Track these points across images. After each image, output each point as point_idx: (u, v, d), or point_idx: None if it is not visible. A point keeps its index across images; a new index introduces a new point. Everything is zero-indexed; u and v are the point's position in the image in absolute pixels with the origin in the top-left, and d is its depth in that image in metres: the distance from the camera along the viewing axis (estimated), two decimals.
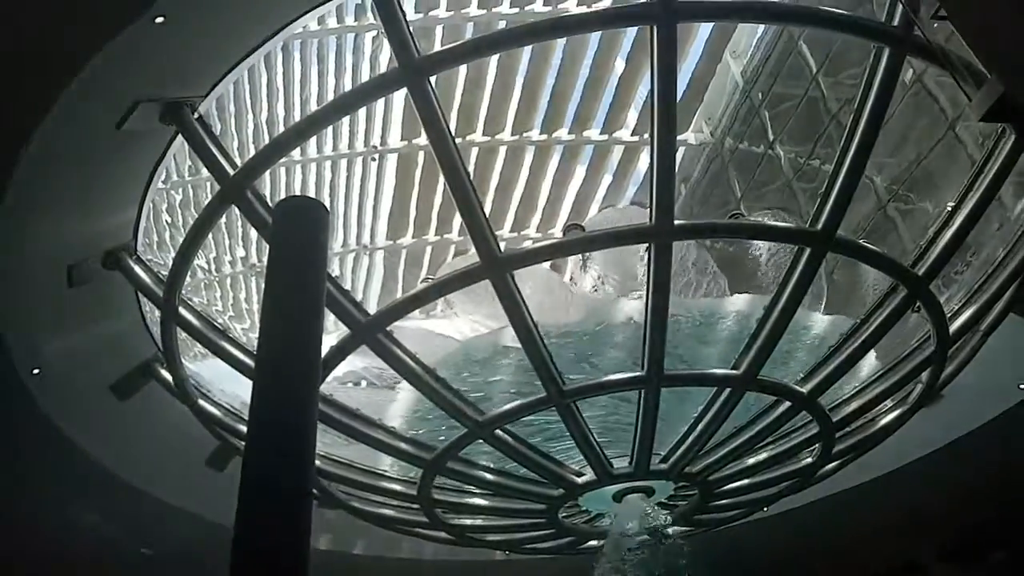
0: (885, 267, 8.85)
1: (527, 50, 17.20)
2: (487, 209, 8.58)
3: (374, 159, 20.77)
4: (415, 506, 12.05)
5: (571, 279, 14.85)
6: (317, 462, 10.98)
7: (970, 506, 19.21)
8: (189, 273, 9.27)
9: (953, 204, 9.78)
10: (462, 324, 14.50)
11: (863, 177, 10.15)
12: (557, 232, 20.31)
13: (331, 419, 9.94)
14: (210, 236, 10.23)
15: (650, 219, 7.83)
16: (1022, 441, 16.00)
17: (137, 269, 9.38)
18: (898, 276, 8.85)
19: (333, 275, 8.85)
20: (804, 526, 18.74)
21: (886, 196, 15.83)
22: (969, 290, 10.99)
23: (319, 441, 11.33)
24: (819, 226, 8.25)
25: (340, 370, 12.14)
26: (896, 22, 7.33)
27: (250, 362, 9.23)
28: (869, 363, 11.49)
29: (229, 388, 11.18)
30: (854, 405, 11.17)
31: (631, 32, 15.55)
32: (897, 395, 11.64)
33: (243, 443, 9.99)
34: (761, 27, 17.88)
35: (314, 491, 11.58)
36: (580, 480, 11.07)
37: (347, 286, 15.25)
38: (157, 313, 9.60)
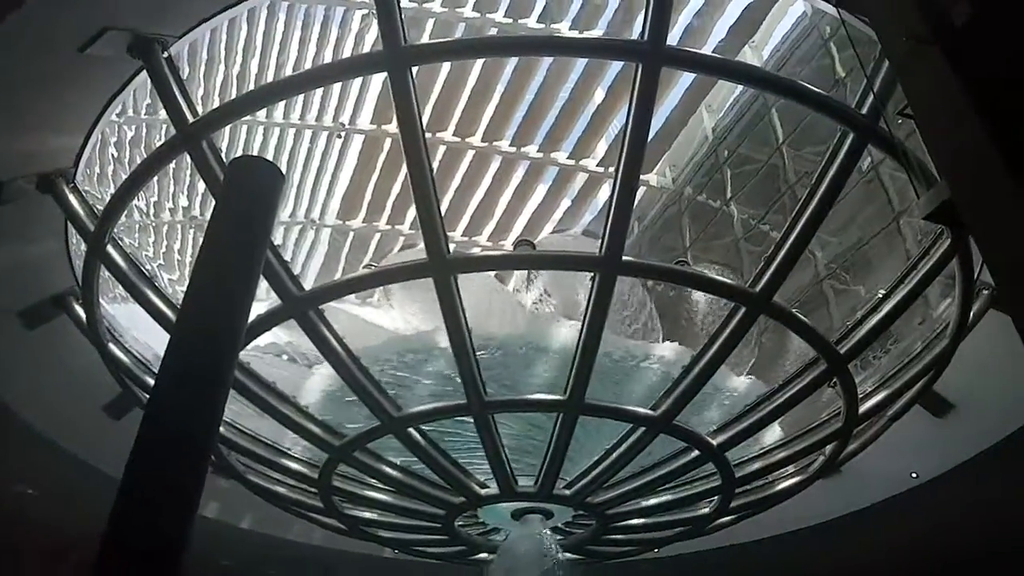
0: (812, 340, 9.16)
1: (513, 60, 17.27)
2: (443, 209, 8.55)
3: (340, 136, 20.48)
4: (313, 490, 11.84)
5: (514, 291, 14.90)
6: (220, 428, 10.67)
7: None
8: (126, 212, 8.93)
9: (884, 292, 10.22)
10: (396, 317, 14.36)
11: (807, 250, 10.55)
12: (508, 245, 20.32)
13: (244, 387, 9.68)
14: (155, 179, 9.91)
15: (600, 250, 7.93)
16: (907, 525, 16.75)
17: (71, 197, 8.99)
18: (822, 351, 9.17)
19: (275, 243, 8.66)
20: (691, 572, 19.17)
21: (824, 272, 16.44)
22: (883, 376, 11.49)
23: (226, 407, 11.06)
24: (758, 288, 8.50)
25: (263, 340, 11.87)
26: (864, 111, 7.65)
27: (171, 314, 8.93)
28: (778, 428, 11.88)
29: (143, 338, 10.79)
30: (757, 465, 11.51)
31: (616, 65, 15.77)
32: (800, 463, 12.05)
33: (146, 396, 9.64)
34: (739, 88, 18.41)
35: (212, 457, 11.26)
36: (483, 492, 11.05)
37: (287, 257, 14.93)
38: (83, 246, 9.22)
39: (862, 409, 10.38)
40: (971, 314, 10.32)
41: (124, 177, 8.61)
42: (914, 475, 15.37)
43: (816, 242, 15.17)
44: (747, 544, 17.34)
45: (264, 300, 11.05)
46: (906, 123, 8.16)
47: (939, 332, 11.07)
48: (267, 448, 11.50)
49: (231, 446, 11.10)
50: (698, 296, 13.83)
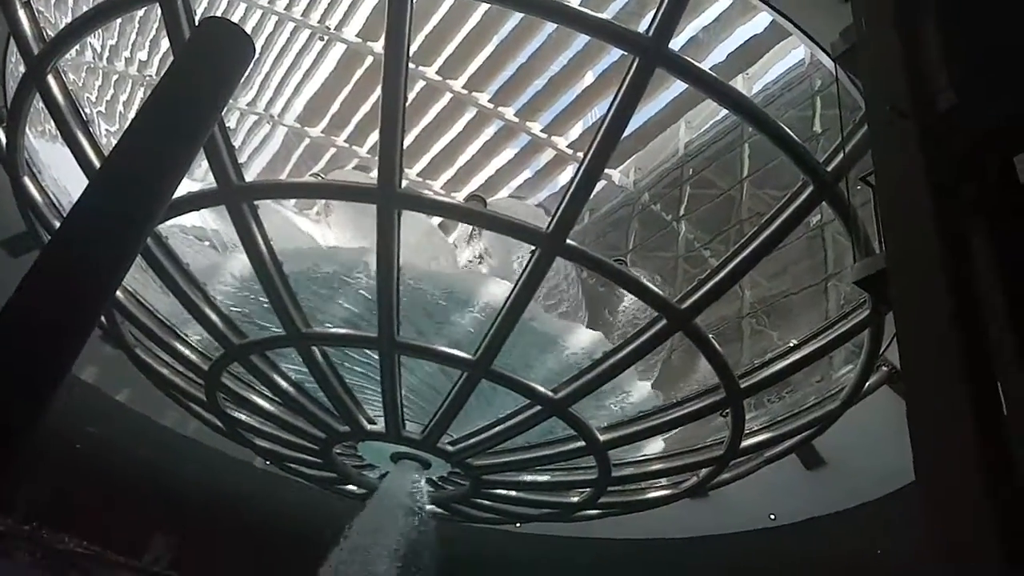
0: (718, 368, 9.45)
1: (516, 17, 16.98)
2: (406, 142, 8.36)
3: (322, 39, 19.74)
4: (199, 382, 11.57)
5: (455, 244, 14.83)
6: (119, 295, 10.28)
7: None
8: (78, 46, 8.39)
9: (796, 343, 10.62)
10: (330, 237, 14.09)
11: (738, 284, 10.84)
12: (460, 196, 20.14)
13: (156, 261, 9.32)
14: (119, 21, 9.33)
15: (547, 227, 7.94)
16: (757, 559, 17.70)
17: (21, 13, 8.36)
18: (724, 381, 9.48)
19: (226, 124, 8.30)
20: (544, 553, 19.75)
21: (747, 310, 16.98)
22: (771, 420, 12.00)
23: (131, 277, 10.64)
24: (684, 306, 8.69)
25: (189, 220, 11.46)
26: (830, 168, 7.86)
27: (97, 163, 8.46)
28: (659, 442, 12.29)
29: (64, 183, 10.23)
30: (634, 470, 11.89)
31: (614, 53, 15.69)
32: (674, 478, 12.51)
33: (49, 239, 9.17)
34: (721, 113, 18.63)
35: (103, 319, 10.85)
36: (370, 427, 11.05)
37: (236, 144, 14.37)
38: (22, 68, 8.62)
39: (744, 444, 10.82)
40: (866, 384, 10.84)
41: (86, 9, 8.07)
42: (772, 516, 16.22)
43: (748, 279, 15.65)
44: (607, 540, 17.99)
45: (200, 181, 10.64)
46: (862, 193, 8.46)
47: (833, 393, 11.62)
48: (163, 328, 11.14)
49: (126, 315, 10.71)
50: (626, 300, 14.08)
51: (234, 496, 22.26)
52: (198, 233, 12.68)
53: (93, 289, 2.73)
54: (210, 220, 12.51)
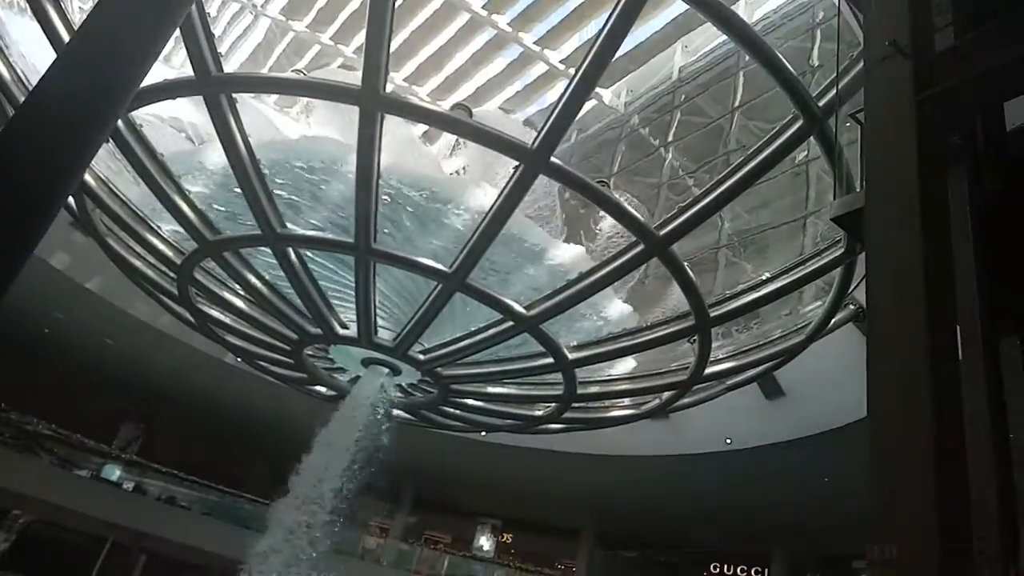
0: (690, 295, 9.57)
1: None
2: (394, 45, 8.06)
3: None
4: (172, 275, 11.49)
5: (438, 154, 14.57)
6: (91, 181, 10.04)
7: (646, 509, 22.00)
8: None
9: (768, 276, 10.77)
10: (308, 134, 13.74)
11: (718, 214, 10.87)
12: (446, 105, 19.68)
13: (129, 149, 9.06)
14: None
15: (532, 143, 7.82)
16: (712, 479, 18.53)
17: None
18: (696, 308, 9.62)
19: (206, 10, 7.92)
20: (499, 459, 20.44)
21: (724, 241, 17.13)
22: (736, 349, 12.29)
23: (105, 165, 10.36)
24: (662, 232, 8.72)
25: (165, 111, 11.10)
26: (822, 104, 7.77)
27: (67, 37, 8.07)
28: (630, 363, 12.56)
29: (33, 60, 9.78)
30: (599, 389, 12.19)
31: None
32: (637, 399, 12.86)
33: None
34: (719, 39, 18.21)
35: (72, 205, 10.63)
36: (342, 332, 11.13)
37: (215, 31, 13.75)
38: None
39: (708, 371, 11.10)
40: (832, 321, 11.10)
41: None
42: (728, 441, 16.87)
43: (728, 211, 15.73)
44: (567, 454, 18.65)
45: (177, 69, 10.22)
46: (850, 132, 8.42)
47: (799, 328, 11.89)
48: (135, 218, 10.95)
49: (98, 203, 10.49)
50: (604, 222, 14.07)
51: (203, 390, 22.57)
52: (175, 124, 12.31)
53: (57, 172, 2.63)
54: (188, 113, 12.13)
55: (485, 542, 27.61)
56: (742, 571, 23.55)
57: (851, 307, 12.64)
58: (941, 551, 3.15)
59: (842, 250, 9.24)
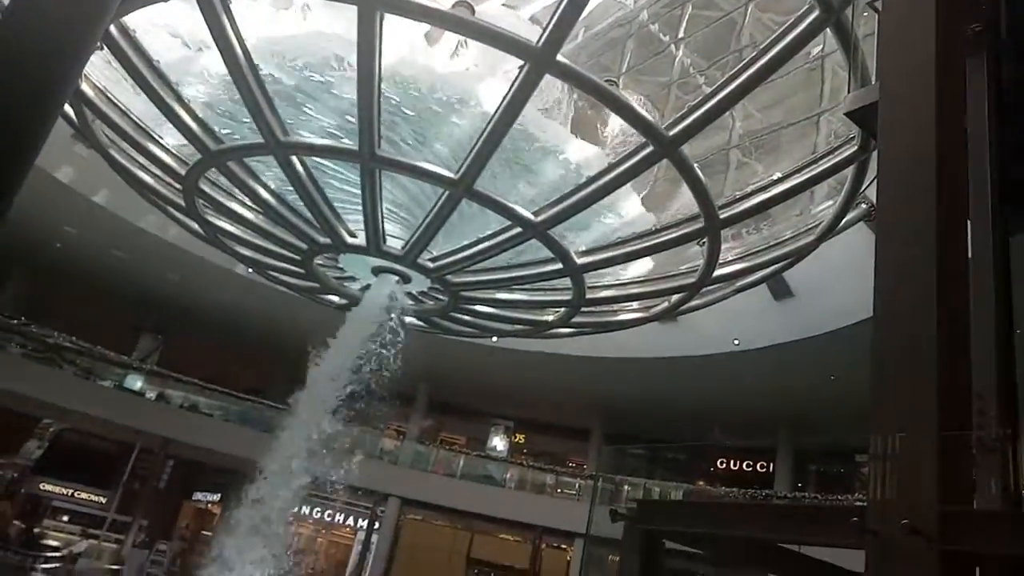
0: (700, 197, 9.47)
1: None
2: None
3: None
4: (177, 186, 11.45)
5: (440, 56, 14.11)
6: (88, 91, 9.85)
7: (654, 408, 22.59)
8: None
9: (779, 176, 10.62)
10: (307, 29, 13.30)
11: (729, 112, 10.60)
12: (447, 3, 18.89)
13: (125, 58, 8.83)
14: None
15: (537, 41, 7.56)
16: (720, 379, 18.91)
17: None
18: (705, 210, 9.54)
19: None
20: (511, 363, 20.86)
21: (735, 141, 16.79)
22: (746, 251, 12.27)
23: (101, 74, 10.13)
24: (671, 133, 8.54)
25: (160, 15, 10.74)
26: None
27: None
28: (641, 266, 12.58)
29: None
30: (608, 293, 12.27)
31: None
32: (646, 302, 12.96)
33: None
34: None
35: (72, 116, 10.48)
36: (350, 240, 11.15)
37: None
38: None
39: (717, 273, 11.12)
40: (843, 220, 11.01)
41: None
42: (736, 342, 17.10)
43: (740, 109, 15.31)
44: (577, 357, 18.98)
45: None
46: (866, 24, 8.07)
47: (810, 228, 11.81)
48: (137, 129, 10.81)
49: (98, 114, 10.33)
50: (613, 123, 13.77)
51: (217, 301, 22.89)
52: (169, 30, 11.93)
53: (51, 74, 2.54)
54: (183, 21, 11.72)
55: (498, 442, 28.58)
56: (747, 466, 24.38)
57: (863, 206, 12.51)
58: (940, 440, 3.23)
59: (856, 147, 9.06)
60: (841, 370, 17.53)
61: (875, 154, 9.73)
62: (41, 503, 24.74)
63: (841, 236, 12.25)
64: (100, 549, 20.90)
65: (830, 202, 11.70)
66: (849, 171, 9.79)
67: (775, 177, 10.68)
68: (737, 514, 4.03)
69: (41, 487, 24.83)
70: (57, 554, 17.94)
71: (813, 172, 9.71)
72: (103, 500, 25.09)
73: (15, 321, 20.67)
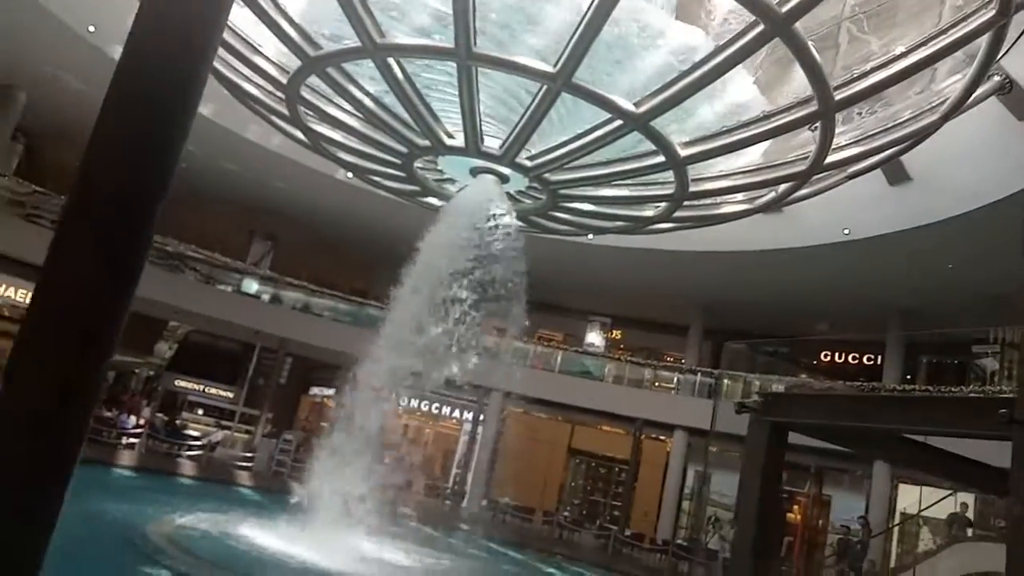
0: (814, 78, 8.90)
1: None
2: None
3: None
4: (279, 95, 11.71)
5: None
6: None
7: (755, 303, 22.28)
8: None
9: (902, 51, 9.80)
10: None
11: None
12: None
13: None
14: None
15: None
16: (832, 270, 18.35)
17: None
18: (819, 92, 8.99)
19: None
20: (608, 260, 20.84)
21: (848, 13, 15.49)
22: (862, 135, 11.55)
23: None
24: (784, 10, 7.98)
25: None
26: None
27: None
28: (747, 156, 12.09)
29: None
30: (712, 185, 11.93)
31: None
32: (751, 192, 12.53)
33: None
34: None
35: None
36: (449, 142, 11.21)
37: None
38: None
39: (829, 159, 10.58)
40: (973, 95, 10.16)
41: None
42: (846, 231, 16.40)
43: None
44: (676, 252, 18.74)
45: None
46: None
47: (932, 107, 10.96)
48: (239, 39, 11.03)
49: None
50: (718, 3, 12.95)
51: (321, 207, 23.67)
52: None
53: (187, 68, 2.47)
54: None
55: (595, 338, 28.99)
56: (853, 359, 23.81)
57: (996, 78, 11.48)
58: None
59: (994, 11, 8.22)
60: (960, 259, 16.61)
61: (1015, 19, 8.83)
62: (178, 398, 27.28)
63: (966, 113, 11.33)
64: (234, 438, 23.00)
65: (956, 77, 10.75)
66: (981, 40, 8.93)
67: (897, 52, 9.86)
68: (872, 406, 4.01)
69: (176, 383, 27.29)
70: (198, 442, 19.84)
71: (942, 43, 8.91)
72: (231, 395, 27.38)
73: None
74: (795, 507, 20.30)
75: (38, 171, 22.20)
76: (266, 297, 24.95)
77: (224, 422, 25.42)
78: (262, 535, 11.59)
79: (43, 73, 18.01)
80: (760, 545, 3.38)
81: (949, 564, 11.66)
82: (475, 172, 12.13)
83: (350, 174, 18.09)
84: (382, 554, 12.24)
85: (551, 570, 16.65)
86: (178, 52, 2.21)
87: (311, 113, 12.15)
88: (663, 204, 12.27)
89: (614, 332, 29.55)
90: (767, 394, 3.80)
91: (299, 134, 13.08)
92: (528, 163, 11.33)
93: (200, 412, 27.28)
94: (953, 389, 17.65)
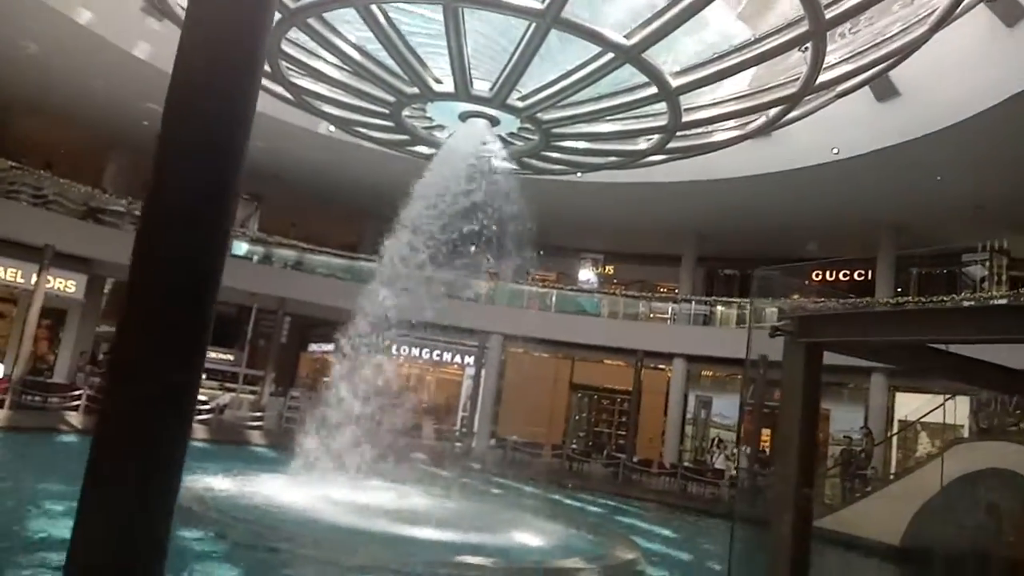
0: None
1: None
2: None
3: None
4: None
5: None
6: None
7: (746, 229, 22.41)
8: None
9: None
10: None
11: None
12: None
13: None
14: None
15: None
16: (821, 192, 18.45)
17: None
18: (810, 9, 8.89)
19: None
20: (597, 197, 20.84)
21: None
22: (851, 53, 11.47)
23: None
24: None
25: None
26: None
27: None
28: (732, 84, 12.01)
29: None
30: (704, 114, 11.87)
31: None
32: (743, 118, 12.49)
33: None
34: None
35: None
36: (438, 87, 11.06)
37: None
38: None
39: (820, 79, 10.54)
40: (961, 4, 10.10)
41: None
42: (835, 151, 16.45)
43: None
44: (679, 183, 18.74)
45: None
46: None
47: (921, 18, 10.87)
48: None
49: None
50: None
51: (304, 163, 23.36)
52: None
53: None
54: None
55: (588, 275, 29.20)
56: (844, 276, 24.14)
57: None
58: None
59: None
60: (948, 171, 16.73)
61: None
62: None
63: (954, 23, 11.26)
64: (240, 400, 23.20)
65: None
66: None
67: None
68: (912, 320, 4.13)
69: None
70: (207, 406, 20.02)
71: None
72: (231, 358, 27.50)
73: (124, 201, 21.74)
74: None
75: (12, 145, 21.73)
76: (256, 258, 24.83)
77: (228, 384, 25.58)
78: (284, 490, 11.85)
79: (3, 38, 17.42)
80: (803, 473, 3.53)
81: (951, 464, 12.16)
82: (465, 117, 12.01)
83: (332, 128, 17.85)
84: (402, 499, 12.58)
85: (567, 500, 17.17)
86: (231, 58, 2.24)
87: (292, 68, 11.91)
88: (656, 136, 12.23)
89: (607, 267, 29.74)
90: (801, 316, 3.90)
91: (281, 90, 12.84)
92: (519, 104, 11.22)
93: (204, 377, 27.42)
94: (944, 299, 17.98)
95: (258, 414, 21.77)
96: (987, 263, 20.00)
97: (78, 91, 19.72)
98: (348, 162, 21.75)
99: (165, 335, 2.03)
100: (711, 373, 25.01)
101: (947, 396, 13.96)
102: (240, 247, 24.99)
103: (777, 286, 16.62)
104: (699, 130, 12.56)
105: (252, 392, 24.63)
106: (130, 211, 20.89)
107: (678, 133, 11.91)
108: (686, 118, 11.40)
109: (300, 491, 11.57)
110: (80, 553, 2.00)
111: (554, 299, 25.99)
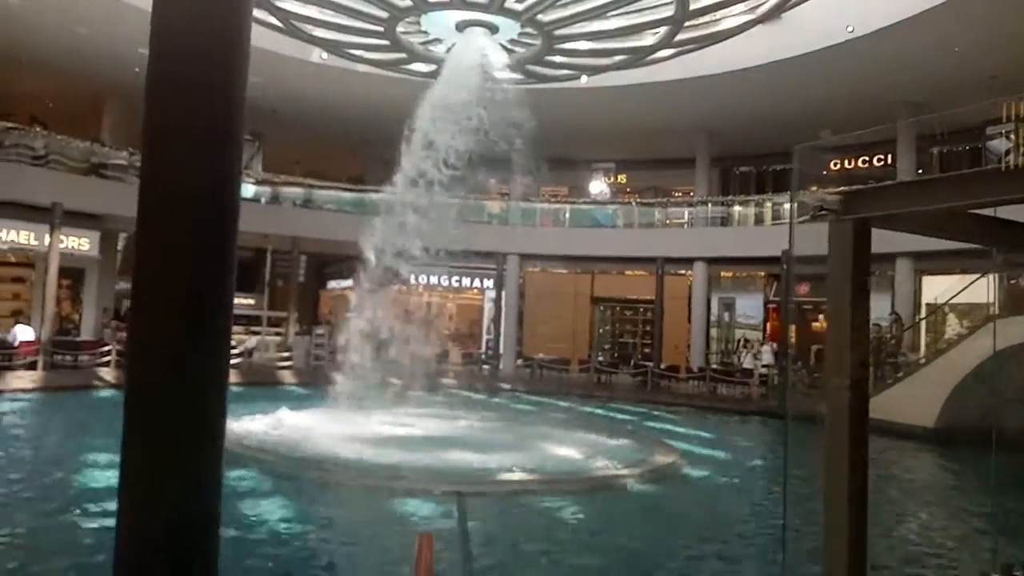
0: None
1: None
2: None
3: None
4: None
5: None
6: None
7: (759, 122, 21.76)
8: None
9: None
10: None
11: None
12: None
13: None
14: None
15: None
16: (838, 73, 17.71)
17: None
18: None
19: None
20: (604, 103, 20.20)
21: None
22: None
23: None
24: None
25: None
26: None
27: None
28: None
29: None
30: (711, 0, 11.26)
31: None
32: (751, 3, 11.86)
33: None
34: None
35: None
36: None
37: None
38: None
39: None
40: None
41: None
42: (850, 29, 15.69)
43: None
44: (688, 80, 18.06)
45: None
46: None
47: None
48: None
49: None
50: None
51: (298, 94, 22.72)
52: None
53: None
54: None
55: (601, 186, 28.67)
56: (863, 162, 23.47)
57: None
58: None
59: None
60: (967, 38, 15.91)
61: None
62: None
63: None
64: (267, 342, 23.39)
65: None
66: None
67: None
68: (962, 184, 3.87)
69: None
70: (235, 351, 20.19)
71: None
72: (253, 302, 27.63)
73: (124, 153, 21.39)
74: (820, 316, 20.73)
75: None
76: (264, 199, 24.57)
77: (253, 328, 25.80)
78: (322, 424, 11.98)
79: None
80: (857, 365, 3.35)
81: (984, 342, 12.00)
82: (463, 27, 11.48)
83: (325, 55, 17.24)
84: (437, 424, 12.70)
85: (598, 411, 17.34)
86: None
87: None
88: (663, 28, 11.65)
89: (619, 176, 29.17)
90: (848, 191, 3.66)
91: (269, 17, 12.31)
92: (518, 6, 10.67)
93: None
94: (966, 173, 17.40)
95: (286, 354, 21.98)
96: (1011, 134, 19.12)
97: (62, 41, 19.10)
98: (345, 91, 21.14)
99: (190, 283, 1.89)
100: (731, 274, 24.81)
101: (977, 276, 13.67)
102: (248, 190, 24.70)
103: (817, 162, 15.95)
104: (707, 18, 11.95)
105: (277, 334, 24.83)
106: (131, 163, 20.57)
107: (686, 24, 11.33)
108: (693, 5, 10.83)
109: (337, 425, 11.69)
110: (128, 513, 1.89)
111: (568, 214, 25.65)
